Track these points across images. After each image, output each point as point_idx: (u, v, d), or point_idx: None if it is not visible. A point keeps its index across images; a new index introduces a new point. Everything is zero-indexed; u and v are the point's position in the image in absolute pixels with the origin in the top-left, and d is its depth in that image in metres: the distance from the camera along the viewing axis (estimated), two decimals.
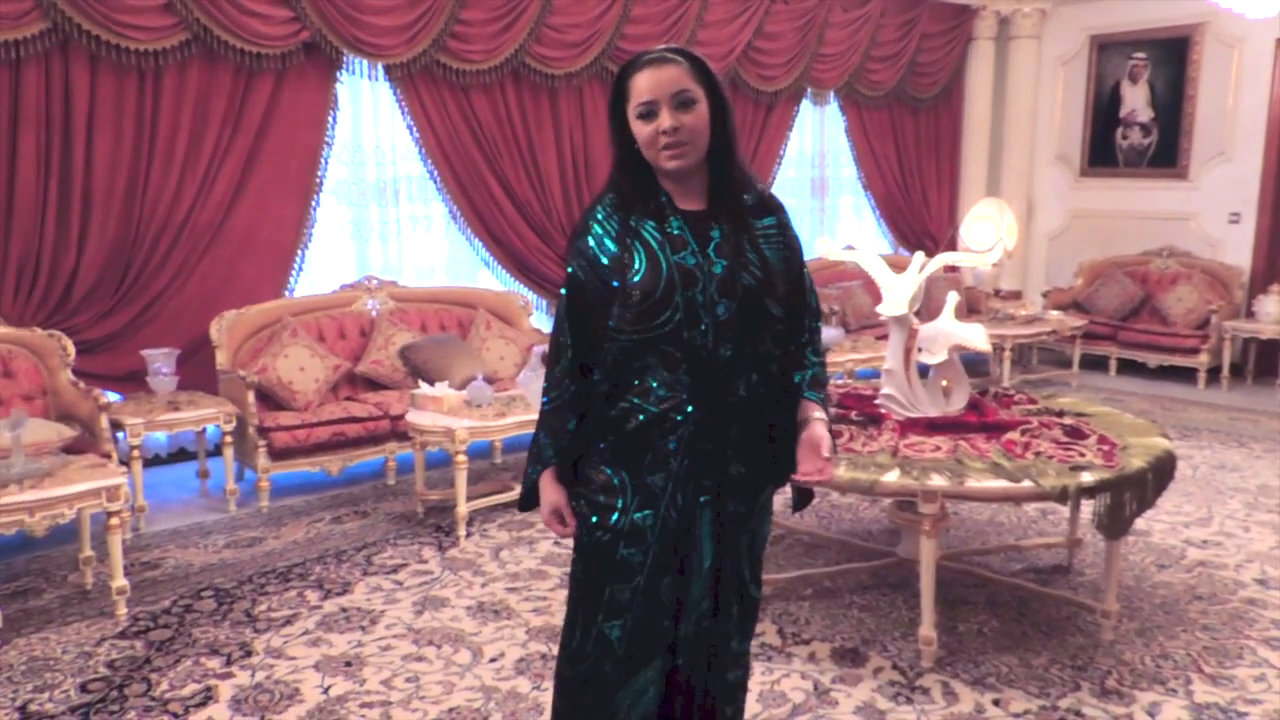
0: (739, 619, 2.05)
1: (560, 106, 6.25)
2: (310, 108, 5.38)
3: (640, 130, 1.84)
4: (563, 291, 1.93)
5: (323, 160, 5.48)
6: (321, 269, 5.72)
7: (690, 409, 1.86)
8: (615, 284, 1.83)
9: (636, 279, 1.82)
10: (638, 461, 1.89)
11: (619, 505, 1.90)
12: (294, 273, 5.47)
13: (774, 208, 1.97)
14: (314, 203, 5.48)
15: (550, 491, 1.96)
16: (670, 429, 1.87)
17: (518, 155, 6.12)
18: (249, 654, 3.22)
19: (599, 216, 1.89)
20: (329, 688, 3.01)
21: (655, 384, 1.86)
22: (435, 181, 5.91)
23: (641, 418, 1.87)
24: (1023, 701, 2.92)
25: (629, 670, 1.96)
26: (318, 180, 5.48)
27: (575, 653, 1.98)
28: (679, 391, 1.86)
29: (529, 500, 2.01)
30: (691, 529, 1.92)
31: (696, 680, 2.04)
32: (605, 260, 1.85)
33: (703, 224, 1.88)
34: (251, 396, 4.64)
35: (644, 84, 1.83)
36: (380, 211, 5.94)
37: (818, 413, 1.96)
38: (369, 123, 5.83)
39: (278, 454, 4.66)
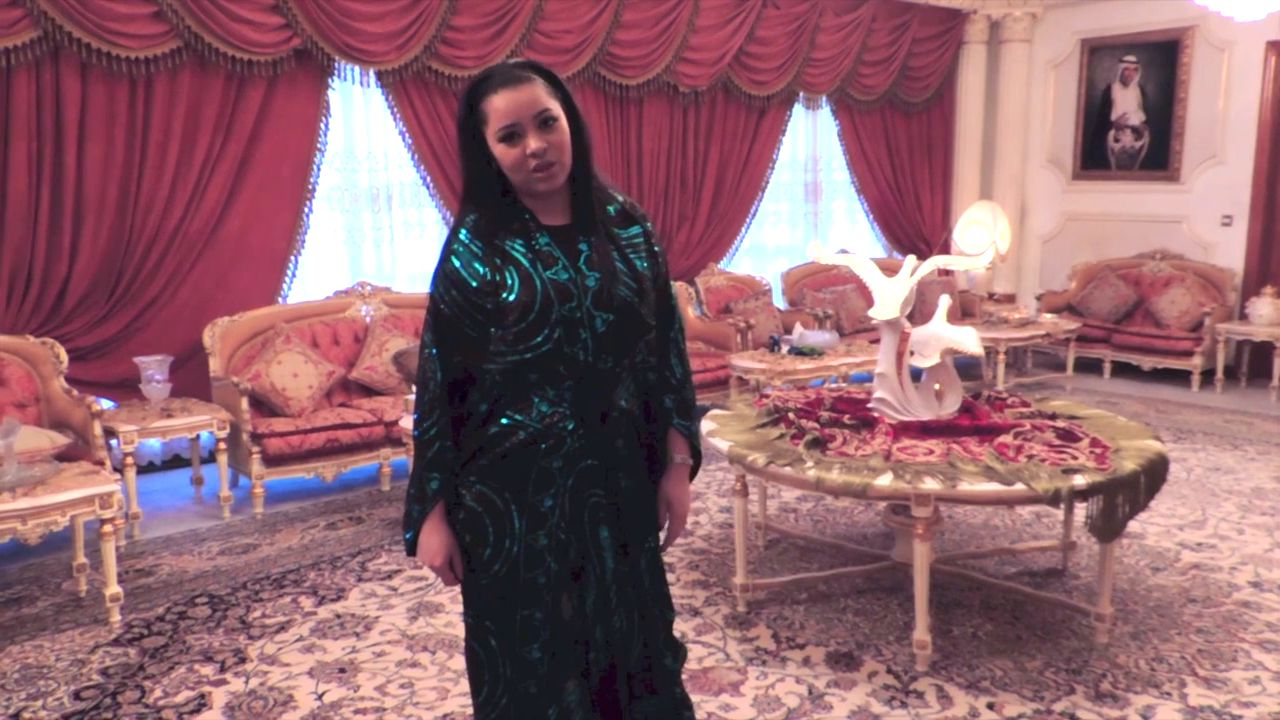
0: (665, 638, 2.02)
1: None
2: (302, 114, 5.38)
3: (505, 154, 1.78)
4: (427, 318, 1.87)
5: (315, 167, 5.48)
6: (315, 275, 5.72)
7: (571, 425, 1.84)
8: (489, 305, 1.79)
9: (511, 298, 1.78)
10: (522, 482, 1.84)
11: (509, 530, 1.84)
12: (287, 279, 5.46)
13: (638, 217, 1.95)
14: (306, 209, 5.47)
15: (438, 535, 1.86)
16: (554, 447, 1.84)
17: None
18: (243, 661, 3.21)
19: (463, 239, 1.83)
20: (323, 694, 3.00)
21: (538, 400, 1.83)
22: (428, 187, 5.91)
23: (522, 434, 1.83)
24: (1017, 705, 2.92)
25: (553, 688, 1.90)
26: (310, 187, 5.48)
27: (486, 699, 1.92)
28: (561, 407, 1.83)
29: (416, 545, 1.88)
30: (587, 546, 1.89)
31: (622, 675, 1.99)
32: (475, 283, 1.79)
33: (570, 238, 1.85)
34: (245, 403, 4.63)
35: (503, 105, 1.77)
36: (373, 217, 5.94)
37: (680, 455, 2.00)
38: (361, 129, 5.83)
39: (272, 460, 4.65)
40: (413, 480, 1.89)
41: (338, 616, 3.55)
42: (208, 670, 3.15)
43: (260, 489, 4.64)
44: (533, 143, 1.77)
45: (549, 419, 1.83)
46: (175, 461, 5.32)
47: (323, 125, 5.49)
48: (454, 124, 5.76)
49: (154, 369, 4.58)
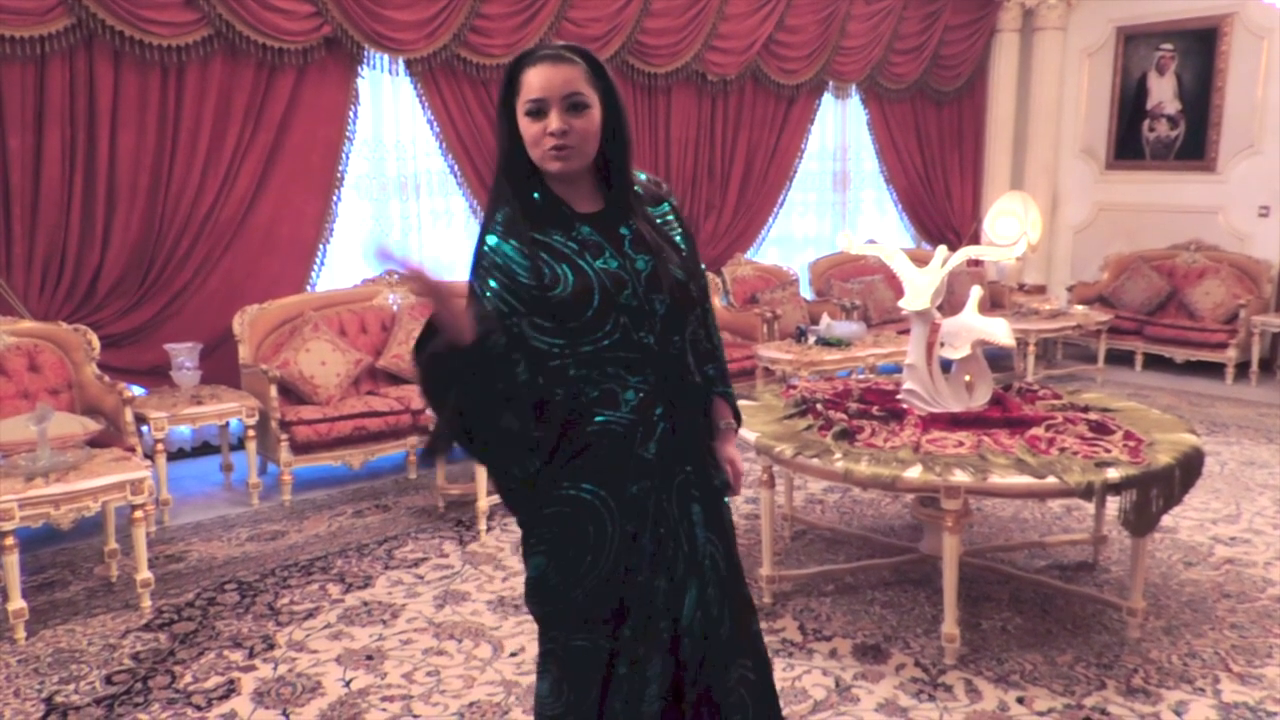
0: (739, 612, 2.02)
1: None
2: (331, 103, 5.39)
3: (527, 128, 1.77)
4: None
5: (344, 155, 5.50)
6: (343, 263, 5.74)
7: (660, 409, 1.86)
8: (540, 301, 1.76)
9: (566, 293, 1.76)
10: (618, 474, 1.84)
11: (607, 527, 1.84)
12: (316, 267, 5.49)
13: (662, 193, 1.95)
14: (335, 197, 5.50)
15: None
16: (647, 434, 1.85)
17: None
18: (271, 647, 3.24)
19: (498, 233, 1.79)
20: (350, 681, 3.02)
21: (623, 391, 1.82)
22: (455, 176, 5.91)
23: (617, 429, 1.82)
24: (1047, 699, 2.89)
25: (640, 671, 1.90)
26: (339, 175, 5.50)
27: (575, 699, 1.91)
28: (648, 394, 1.84)
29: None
30: (677, 526, 1.90)
31: (702, 681, 1.98)
32: (524, 279, 1.76)
33: (609, 224, 1.83)
34: (274, 390, 4.66)
35: (535, 80, 1.76)
36: (401, 206, 5.95)
37: (725, 420, 2.02)
38: (390, 117, 5.84)
39: (300, 448, 4.68)
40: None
41: (365, 604, 3.57)
42: (237, 656, 3.18)
43: (288, 476, 4.67)
44: (554, 122, 1.75)
45: (638, 408, 1.84)
46: (205, 448, 5.38)
47: (352, 114, 5.50)
48: (482, 113, 5.75)
49: (184, 356, 4.62)
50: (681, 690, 1.97)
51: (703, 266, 2.02)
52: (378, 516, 4.52)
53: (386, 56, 5.52)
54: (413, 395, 4.98)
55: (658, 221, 1.90)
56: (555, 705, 1.93)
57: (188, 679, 3.04)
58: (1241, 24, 7.42)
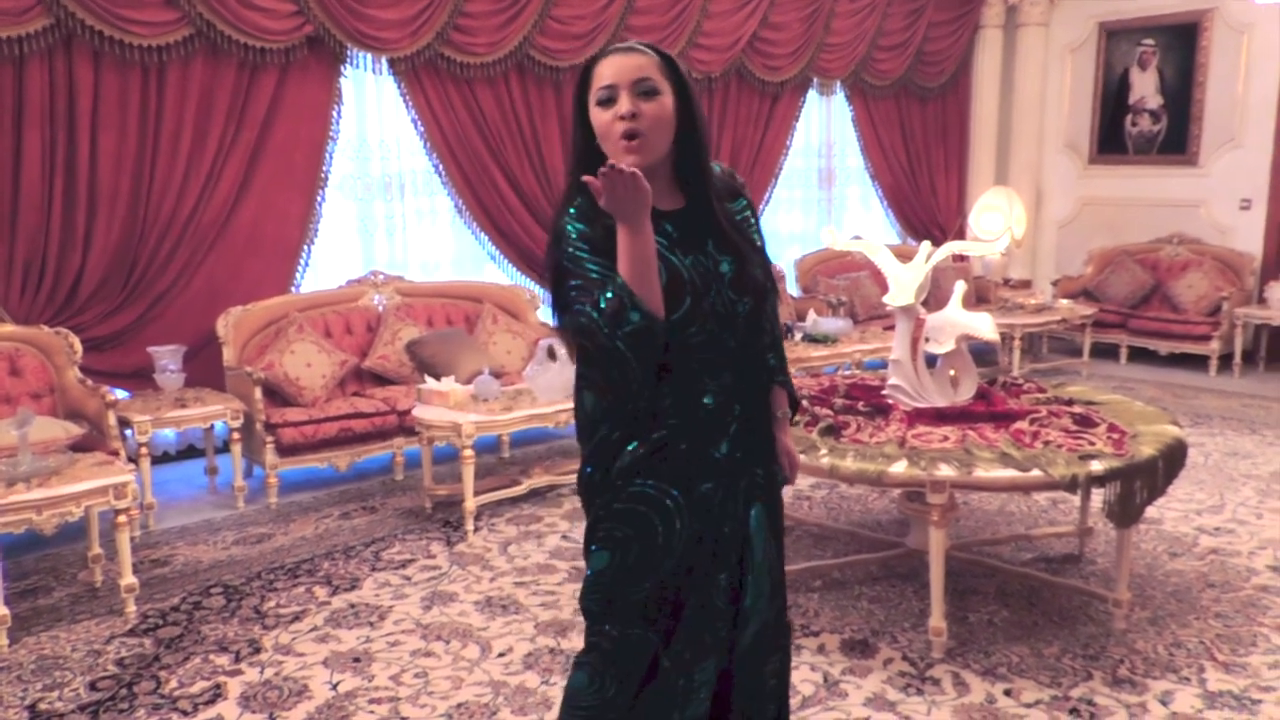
0: (781, 609, 2.06)
1: (565, 99, 6.22)
2: (314, 102, 5.37)
3: (599, 118, 1.76)
4: (568, 289, 1.76)
5: (327, 155, 5.48)
6: (327, 264, 5.72)
7: (738, 409, 1.87)
8: None
9: (663, 289, 1.74)
10: (690, 473, 1.85)
11: (677, 527, 1.85)
12: (300, 268, 5.47)
13: (738, 186, 1.94)
14: (319, 198, 5.47)
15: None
16: (721, 434, 1.86)
17: (522, 148, 6.10)
18: (258, 651, 3.22)
19: (577, 218, 1.77)
20: (338, 684, 3.01)
21: (702, 394, 1.83)
22: (440, 175, 5.90)
23: (694, 428, 1.83)
24: (1034, 691, 2.90)
25: (690, 670, 1.93)
26: (323, 175, 5.47)
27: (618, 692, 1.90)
28: (725, 396, 1.85)
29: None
30: (739, 526, 1.93)
31: (741, 685, 2.02)
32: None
33: (692, 223, 1.82)
34: (258, 393, 4.64)
35: (606, 69, 1.76)
36: (385, 206, 5.93)
37: (782, 410, 2.03)
38: (373, 117, 5.82)
39: (285, 450, 4.66)
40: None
41: (352, 606, 3.56)
42: (223, 660, 3.16)
43: (274, 479, 4.65)
44: (624, 104, 1.73)
45: (716, 408, 1.84)
46: (189, 451, 5.34)
47: (335, 113, 5.48)
48: (466, 112, 5.72)
49: (168, 359, 4.59)
50: (728, 699, 2.01)
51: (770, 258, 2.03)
52: (364, 518, 4.50)
53: (369, 55, 5.50)
54: (398, 396, 4.97)
55: (736, 218, 1.89)
56: (591, 697, 1.91)
57: (173, 684, 3.02)
58: (1221, 19, 7.47)
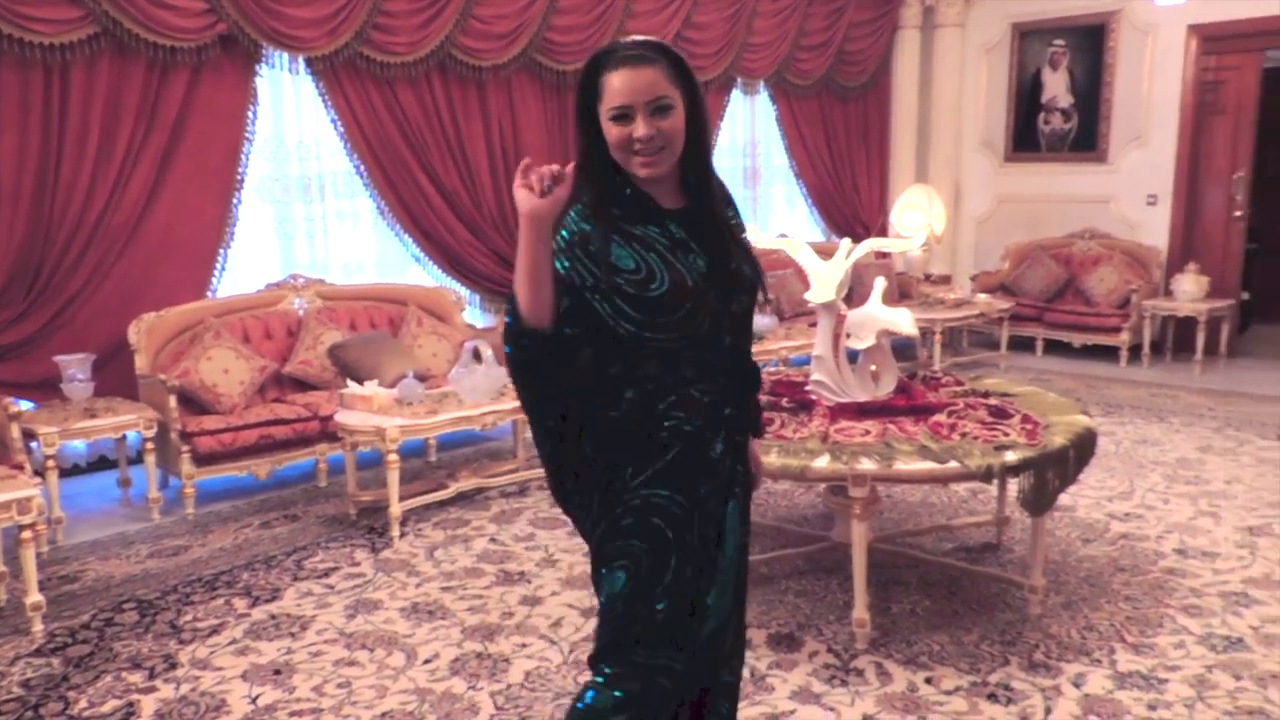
0: (740, 607, 2.09)
1: (489, 99, 6.17)
2: (229, 102, 5.23)
3: (612, 131, 1.76)
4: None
5: (243, 156, 5.34)
6: (245, 268, 5.58)
7: (728, 410, 1.89)
8: (630, 290, 1.75)
9: (663, 289, 1.75)
10: (692, 476, 1.85)
11: (686, 535, 1.84)
12: (216, 272, 5.32)
13: (730, 197, 1.98)
14: (235, 200, 5.34)
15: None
16: (714, 434, 1.87)
17: (446, 149, 6.03)
18: (173, 666, 3.13)
19: (582, 215, 1.77)
20: (257, 697, 2.93)
21: (697, 392, 1.83)
22: (362, 176, 5.80)
23: (689, 428, 1.83)
24: (954, 678, 2.97)
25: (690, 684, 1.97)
26: (239, 177, 5.34)
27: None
28: (718, 396, 1.86)
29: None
30: (721, 522, 1.94)
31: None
32: (620, 263, 1.76)
33: (694, 222, 1.84)
34: (173, 401, 4.50)
35: (619, 85, 1.73)
36: (305, 208, 5.81)
37: (753, 415, 2.07)
38: (291, 117, 5.70)
39: (202, 459, 4.53)
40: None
41: (272, 617, 3.47)
42: (136, 678, 3.06)
43: (191, 489, 4.52)
44: (641, 128, 1.73)
45: (710, 407, 1.84)
46: (102, 463, 5.16)
47: (250, 114, 5.35)
48: (387, 112, 5.63)
49: (75, 368, 4.43)
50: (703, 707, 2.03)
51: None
52: (286, 527, 4.40)
53: (286, 55, 5.38)
54: (321, 401, 4.87)
55: (732, 222, 1.92)
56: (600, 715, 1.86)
57: (83, 704, 2.91)
58: (1127, 20, 7.74)
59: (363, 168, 5.76)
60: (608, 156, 1.79)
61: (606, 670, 1.87)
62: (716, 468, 1.89)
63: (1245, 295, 8.09)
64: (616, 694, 1.86)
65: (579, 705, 1.89)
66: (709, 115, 1.89)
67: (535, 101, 6.43)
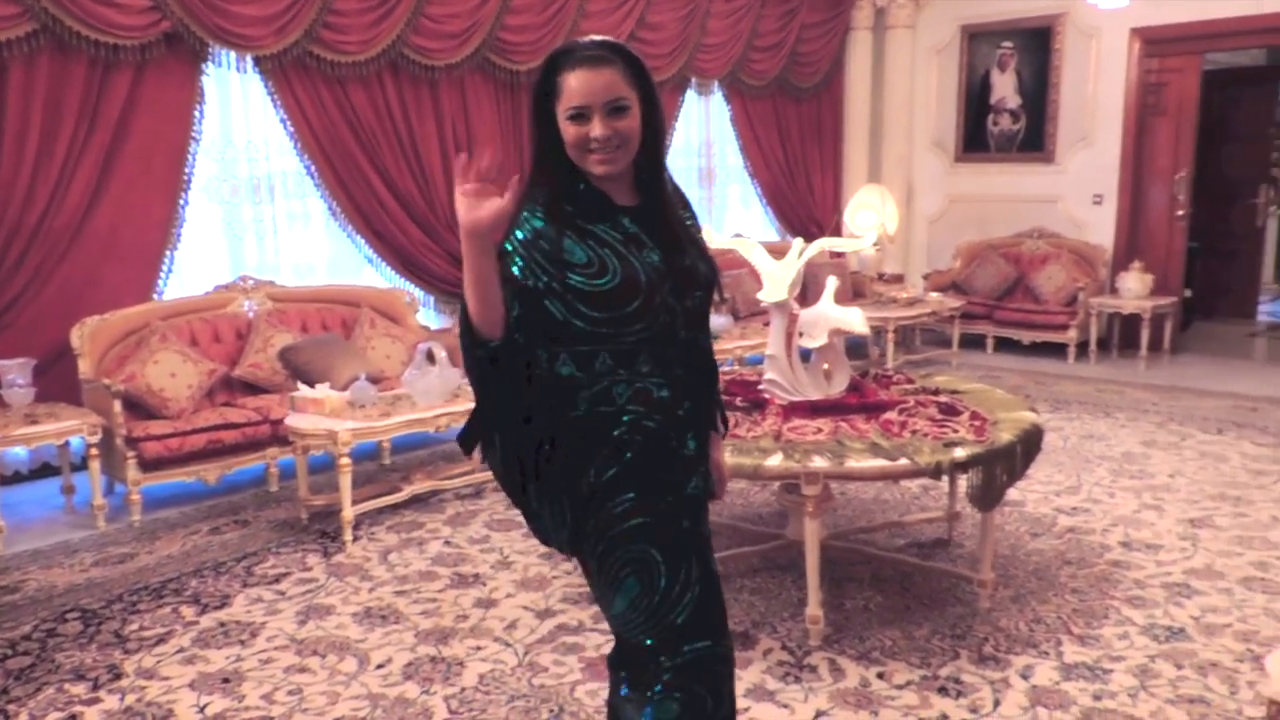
0: None
1: (441, 98, 6.13)
2: (174, 102, 5.13)
3: (569, 130, 1.77)
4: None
5: (190, 156, 5.24)
6: (193, 270, 5.48)
7: (687, 406, 1.88)
8: (584, 287, 1.75)
9: (615, 282, 1.75)
10: (664, 473, 1.85)
11: (684, 526, 1.86)
12: (162, 275, 5.22)
13: (686, 199, 1.99)
14: (182, 201, 5.24)
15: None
16: (682, 431, 1.87)
17: (399, 149, 5.98)
18: (118, 677, 3.06)
19: (539, 215, 1.77)
20: (205, 706, 2.89)
21: (654, 388, 1.82)
22: (312, 177, 5.72)
23: (649, 424, 1.82)
24: (905, 673, 3.00)
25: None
26: (185, 177, 5.24)
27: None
28: (676, 390, 1.86)
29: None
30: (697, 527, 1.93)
31: None
32: (572, 259, 1.76)
33: (648, 219, 1.85)
34: (118, 406, 4.41)
35: (577, 85, 1.74)
36: (254, 209, 5.72)
37: (715, 424, 2.06)
38: (239, 117, 5.60)
39: (149, 465, 4.45)
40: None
41: (221, 625, 3.42)
42: (79, 689, 2.99)
43: (137, 495, 4.43)
44: (598, 128, 1.74)
45: (668, 404, 1.84)
46: (44, 470, 5.03)
47: (197, 113, 5.25)
48: (338, 111, 5.56)
49: (15, 373, 4.32)
50: None
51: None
52: (236, 532, 4.33)
53: (234, 53, 5.30)
54: (271, 404, 4.80)
55: (686, 222, 1.93)
56: None
57: (23, 718, 2.84)
58: (1072, 23, 7.89)
59: (313, 168, 5.68)
60: (563, 154, 1.80)
61: (663, 677, 1.85)
62: (693, 464, 1.90)
63: (1188, 293, 8.28)
64: (675, 698, 1.85)
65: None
66: (665, 115, 1.89)
67: (489, 101, 6.39)
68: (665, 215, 1.87)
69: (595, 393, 1.81)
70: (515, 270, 1.75)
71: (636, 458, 1.82)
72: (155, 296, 5.17)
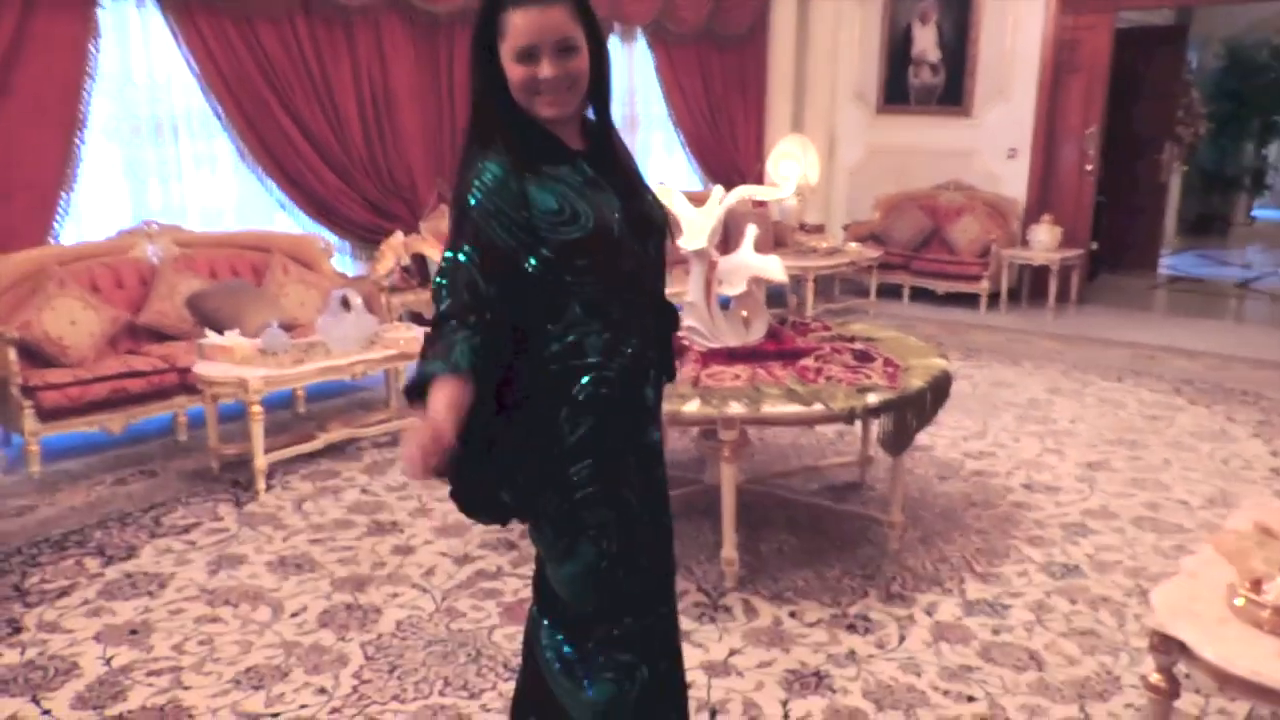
0: None
1: (357, 41, 5.92)
2: (66, 36, 4.85)
3: (516, 71, 1.68)
4: (466, 256, 1.64)
5: (85, 94, 4.98)
6: (93, 214, 5.24)
7: (652, 354, 1.85)
8: (554, 236, 1.67)
9: (589, 228, 1.67)
10: (632, 423, 1.81)
11: (648, 478, 1.85)
12: (58, 217, 4.98)
13: (628, 149, 1.94)
14: (78, 140, 4.98)
15: (453, 410, 1.60)
16: (644, 380, 1.83)
17: (312, 92, 5.77)
18: (18, 631, 2.97)
19: (503, 165, 1.67)
20: (111, 658, 2.83)
21: (625, 335, 1.76)
22: (220, 118, 5.49)
23: (617, 376, 1.75)
24: (816, 611, 3.09)
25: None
26: (80, 115, 4.97)
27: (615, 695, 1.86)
28: (644, 340, 1.81)
29: (416, 393, 1.65)
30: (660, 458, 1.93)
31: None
32: (545, 210, 1.67)
33: (602, 164, 1.78)
34: (13, 354, 4.22)
35: (523, 24, 1.65)
36: (158, 150, 5.48)
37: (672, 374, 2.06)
38: (139, 52, 5.33)
39: (48, 415, 4.27)
40: (437, 342, 1.64)
41: (128, 576, 3.34)
42: None
43: (35, 446, 4.26)
44: (547, 68, 1.66)
45: (636, 353, 1.78)
46: None
47: (92, 48, 4.98)
48: (245, 49, 5.31)
49: None
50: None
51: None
52: (143, 483, 4.21)
53: None
54: (179, 352, 4.65)
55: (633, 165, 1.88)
56: (624, 707, 1.85)
57: None
58: None
59: (220, 109, 5.46)
60: (507, 97, 1.71)
61: (605, 646, 1.85)
62: (654, 415, 1.88)
63: (1094, 245, 8.55)
64: (598, 679, 1.85)
65: (590, 699, 1.85)
66: (609, 54, 1.83)
67: (406, 45, 6.20)
68: (618, 159, 1.82)
69: (568, 345, 1.73)
70: (503, 242, 1.64)
71: (601, 418, 1.75)
72: (51, 240, 4.93)
